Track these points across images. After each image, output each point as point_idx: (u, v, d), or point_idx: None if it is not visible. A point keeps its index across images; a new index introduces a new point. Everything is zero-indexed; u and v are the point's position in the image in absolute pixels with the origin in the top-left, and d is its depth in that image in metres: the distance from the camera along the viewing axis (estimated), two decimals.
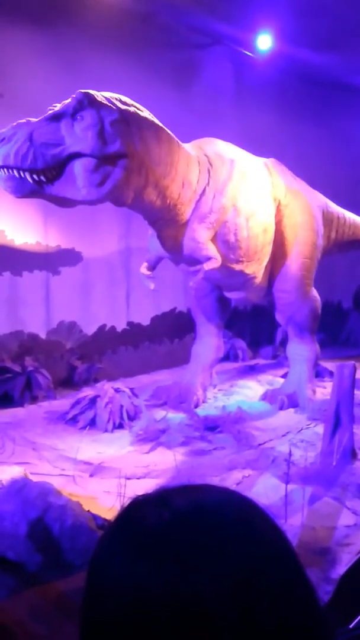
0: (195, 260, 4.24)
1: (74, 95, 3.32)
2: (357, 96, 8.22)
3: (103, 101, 3.40)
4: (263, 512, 0.72)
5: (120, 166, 3.42)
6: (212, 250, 4.17)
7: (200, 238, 4.13)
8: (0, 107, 4.94)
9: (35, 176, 3.25)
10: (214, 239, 4.22)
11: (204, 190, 4.11)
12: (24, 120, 3.32)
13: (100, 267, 6.12)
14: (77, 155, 3.32)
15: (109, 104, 3.42)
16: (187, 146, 4.18)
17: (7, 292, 5.36)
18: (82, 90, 3.33)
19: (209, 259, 4.16)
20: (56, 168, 3.31)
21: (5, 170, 3.23)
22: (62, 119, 3.32)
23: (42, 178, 3.28)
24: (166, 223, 4.09)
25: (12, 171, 3.22)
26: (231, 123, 6.56)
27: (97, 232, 6.05)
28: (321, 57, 6.83)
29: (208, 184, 4.13)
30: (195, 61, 6.65)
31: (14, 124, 3.31)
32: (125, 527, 0.67)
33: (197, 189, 4.08)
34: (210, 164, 4.21)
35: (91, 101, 3.34)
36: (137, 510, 0.68)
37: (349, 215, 5.99)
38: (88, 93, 3.34)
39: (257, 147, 5.22)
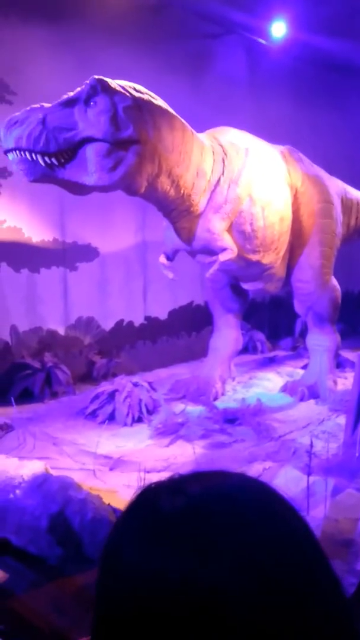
0: (211, 252, 4.20)
1: (88, 81, 3.30)
2: None
3: (117, 88, 3.38)
4: (282, 497, 0.68)
5: (132, 152, 3.39)
6: (227, 240, 4.12)
7: (216, 229, 4.09)
8: (15, 104, 4.94)
9: (47, 159, 3.23)
10: (229, 230, 4.17)
11: (218, 180, 4.06)
12: (37, 105, 3.31)
13: (116, 262, 6.11)
14: (89, 139, 3.30)
15: (123, 91, 3.40)
16: (201, 136, 4.13)
17: (26, 289, 5.39)
18: (96, 77, 3.31)
19: (224, 249, 4.11)
20: (68, 152, 3.29)
21: (17, 152, 3.22)
22: (76, 104, 3.31)
23: (54, 161, 3.25)
24: (181, 214, 4.05)
25: (25, 154, 3.20)
26: (246, 112, 6.48)
27: (113, 227, 6.04)
28: (336, 43, 6.70)
29: (223, 173, 4.08)
30: (208, 51, 6.57)
31: (27, 108, 3.31)
32: (138, 514, 0.65)
33: (212, 179, 4.03)
34: (225, 153, 4.15)
35: (105, 87, 3.32)
36: (150, 498, 0.66)
37: None
38: (102, 79, 3.32)
39: (273, 135, 5.14)
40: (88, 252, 5.88)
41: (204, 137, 4.14)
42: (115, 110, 3.31)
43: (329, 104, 7.86)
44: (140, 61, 5.49)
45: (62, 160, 3.29)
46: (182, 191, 3.87)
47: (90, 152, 3.30)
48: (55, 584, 2.30)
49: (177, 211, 4.03)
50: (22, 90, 4.99)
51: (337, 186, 5.36)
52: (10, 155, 3.28)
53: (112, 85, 3.36)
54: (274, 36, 6.31)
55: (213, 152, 4.11)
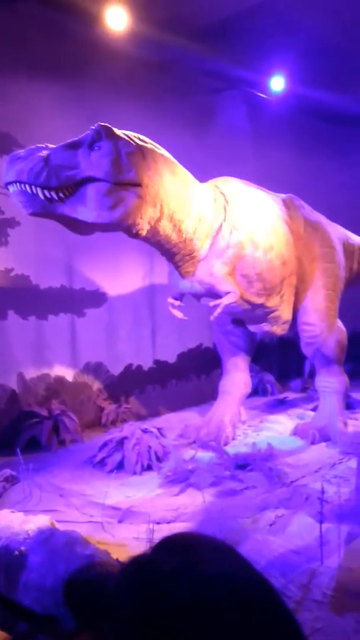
0: (214, 295, 4.25)
1: (93, 127, 3.42)
2: None
3: (121, 135, 3.51)
4: (260, 581, 0.69)
5: (133, 193, 3.47)
6: (230, 284, 4.18)
7: (219, 273, 4.15)
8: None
9: (47, 193, 3.29)
10: (233, 274, 4.23)
11: (220, 226, 4.16)
12: (42, 145, 3.42)
13: (124, 307, 6.17)
14: (91, 179, 3.38)
15: (127, 138, 3.53)
16: (203, 185, 4.26)
17: (33, 336, 5.43)
18: (101, 123, 3.44)
19: (228, 293, 4.17)
20: (69, 189, 3.36)
21: (18, 185, 3.29)
22: (80, 147, 3.41)
23: (54, 196, 3.32)
24: (184, 258, 4.13)
25: (25, 187, 3.27)
26: (249, 162, 6.66)
27: (121, 273, 6.13)
28: (332, 95, 6.96)
29: (225, 220, 4.18)
30: (210, 105, 6.85)
31: (32, 146, 3.41)
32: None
33: (214, 225, 4.13)
34: (227, 201, 4.27)
35: (109, 133, 3.44)
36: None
37: None
38: (107, 126, 3.44)
39: (274, 184, 5.28)
40: (96, 298, 5.95)
41: (206, 186, 4.27)
42: (118, 155, 3.41)
43: (328, 153, 8.08)
44: (145, 115, 5.69)
45: (62, 196, 3.35)
46: (183, 236, 3.96)
47: (91, 190, 3.38)
48: None
49: (180, 255, 4.11)
50: (29, 143, 5.13)
51: (338, 232, 5.46)
52: (11, 188, 3.35)
53: (117, 132, 3.49)
54: (274, 90, 6.59)
55: (215, 199, 4.22)
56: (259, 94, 6.79)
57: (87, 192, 3.39)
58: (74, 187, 3.37)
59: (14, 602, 2.38)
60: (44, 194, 3.30)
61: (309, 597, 2.65)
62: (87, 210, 3.41)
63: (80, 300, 5.81)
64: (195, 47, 5.80)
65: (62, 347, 5.67)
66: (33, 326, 5.43)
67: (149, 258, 6.15)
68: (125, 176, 3.42)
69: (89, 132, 3.43)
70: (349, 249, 5.58)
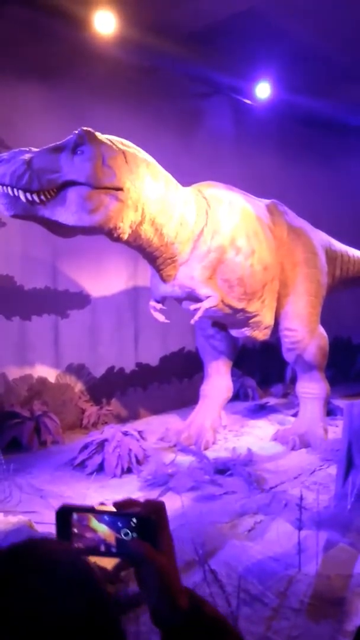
0: (195, 299, 4.28)
1: (76, 131, 3.43)
2: (354, 136, 8.41)
3: (103, 139, 3.54)
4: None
5: (114, 198, 3.50)
6: (211, 288, 4.22)
7: (200, 277, 4.19)
8: None
9: (28, 195, 3.31)
10: (214, 278, 4.26)
11: (202, 231, 4.19)
12: (25, 149, 3.42)
13: (108, 309, 6.15)
14: (72, 183, 3.40)
15: (109, 143, 3.56)
16: (186, 189, 4.29)
17: (17, 336, 5.39)
18: (84, 128, 3.45)
19: (208, 297, 4.19)
20: (51, 192, 3.37)
21: (0, 187, 3.30)
22: (63, 151, 3.43)
23: (35, 198, 3.33)
24: (165, 262, 4.17)
25: (7, 189, 3.28)
26: (233, 168, 6.69)
27: (105, 275, 6.11)
28: (317, 102, 7.04)
29: (206, 224, 4.22)
30: (197, 110, 6.88)
31: (15, 149, 3.41)
32: None
33: (195, 229, 4.16)
34: (209, 206, 4.32)
35: (92, 138, 3.46)
36: None
37: (354, 252, 6.03)
38: (89, 130, 3.47)
39: (259, 190, 5.31)
40: (80, 300, 5.92)
41: (188, 190, 4.30)
42: (100, 159, 3.44)
43: (313, 159, 8.15)
44: (131, 119, 5.70)
45: (43, 199, 3.36)
46: (165, 240, 3.99)
47: (72, 194, 3.40)
48: None
49: (161, 259, 4.14)
50: (17, 146, 5.09)
51: (321, 238, 5.52)
52: None
53: (99, 137, 3.52)
54: (259, 96, 6.63)
55: (197, 204, 4.25)
56: (245, 100, 6.83)
57: (68, 196, 3.40)
58: (55, 191, 3.39)
59: None
60: (25, 197, 3.31)
61: (286, 604, 2.67)
62: (67, 213, 3.42)
63: (64, 301, 5.78)
64: (182, 51, 5.83)
65: (45, 348, 5.64)
66: (17, 327, 5.39)
67: (132, 261, 6.15)
68: (106, 180, 3.45)
69: (72, 136, 3.45)
70: (331, 255, 5.64)
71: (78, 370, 5.91)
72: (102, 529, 0.88)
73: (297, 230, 5.16)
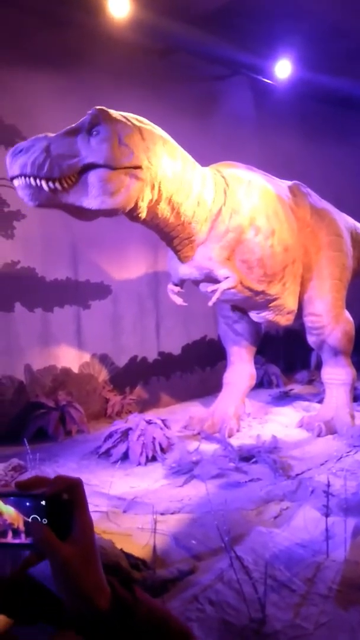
0: (213, 280, 4.22)
1: (90, 111, 3.41)
2: None
3: (118, 117, 3.49)
4: None
5: (133, 177, 3.47)
6: (229, 269, 4.14)
7: (218, 257, 4.12)
8: None
9: (51, 184, 3.29)
10: (233, 258, 4.19)
11: (220, 210, 4.11)
12: (41, 135, 3.40)
13: (129, 298, 6.15)
14: (92, 166, 3.36)
15: (125, 120, 3.51)
16: (204, 169, 4.21)
17: (40, 328, 5.43)
18: (98, 107, 3.42)
19: (226, 278, 4.13)
20: (72, 177, 3.35)
21: (22, 178, 3.28)
22: (79, 133, 3.39)
23: (58, 186, 3.31)
24: (182, 242, 4.11)
25: (29, 179, 3.26)
26: (253, 149, 6.58)
27: (126, 265, 6.10)
28: (339, 80, 6.83)
29: (224, 203, 4.14)
30: (215, 92, 6.74)
31: (32, 137, 3.40)
32: None
33: (213, 209, 4.09)
34: (227, 185, 4.23)
35: (106, 117, 3.42)
36: None
37: None
38: (103, 109, 3.43)
39: (280, 171, 5.21)
40: (101, 290, 5.93)
41: (206, 170, 4.22)
42: (117, 138, 3.39)
43: (336, 139, 7.96)
44: (147, 103, 5.62)
45: (66, 185, 3.34)
46: (182, 219, 3.94)
47: (93, 177, 3.37)
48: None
49: (178, 239, 4.09)
50: (31, 134, 5.05)
51: (346, 221, 5.38)
52: (16, 182, 3.34)
53: (114, 115, 3.47)
54: (279, 75, 6.45)
55: (215, 183, 4.17)
56: (265, 80, 6.66)
57: (89, 180, 3.37)
58: (76, 176, 3.35)
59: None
60: (48, 186, 3.29)
61: (314, 590, 2.63)
62: (90, 197, 3.40)
63: (86, 292, 5.80)
64: (199, 33, 5.69)
65: (68, 338, 5.67)
66: (39, 318, 5.42)
67: (153, 250, 6.12)
68: (125, 160, 3.41)
69: (86, 116, 3.41)
70: (357, 239, 5.50)
71: (101, 360, 5.93)
72: (9, 512, 0.77)
73: (321, 212, 5.03)
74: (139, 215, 3.67)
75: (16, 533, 0.77)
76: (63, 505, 0.77)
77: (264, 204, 4.35)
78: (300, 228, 4.73)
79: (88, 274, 5.78)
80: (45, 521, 0.76)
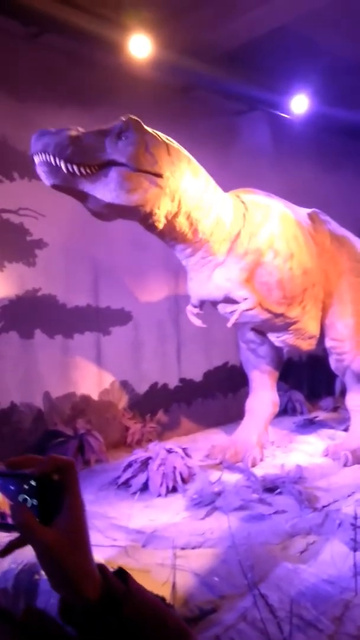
0: (232, 301, 4.19)
1: (123, 118, 3.48)
2: None
3: (149, 130, 3.58)
4: None
5: (153, 183, 3.50)
6: (248, 290, 4.12)
7: (237, 278, 4.12)
8: None
9: (69, 166, 3.28)
10: (251, 280, 4.17)
11: (239, 232, 4.13)
12: (73, 127, 3.43)
13: (150, 325, 6.13)
14: (114, 163, 3.40)
15: (154, 133, 3.60)
16: (225, 194, 4.25)
17: (59, 355, 5.42)
18: (131, 116, 3.51)
19: (245, 299, 4.09)
20: (92, 168, 3.36)
21: (43, 154, 3.28)
22: (108, 135, 3.44)
23: (76, 171, 3.31)
24: (200, 262, 4.11)
25: (49, 157, 3.26)
26: (272, 182, 6.57)
27: (146, 291, 6.10)
28: (355, 113, 6.92)
29: (244, 226, 4.16)
30: (233, 127, 6.88)
31: (63, 127, 3.41)
32: None
33: (232, 230, 4.10)
34: (246, 209, 4.27)
35: (138, 126, 3.50)
36: None
37: None
38: (136, 119, 3.51)
39: (300, 201, 5.19)
40: (121, 316, 5.92)
41: (227, 195, 4.26)
42: (144, 145, 3.47)
43: (354, 170, 8.00)
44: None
45: (84, 173, 3.35)
46: (200, 236, 3.94)
47: (114, 173, 3.40)
48: None
49: (196, 258, 4.09)
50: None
51: None
52: (37, 158, 3.34)
53: (145, 127, 3.56)
54: (296, 110, 6.56)
55: (235, 207, 4.20)
56: (282, 114, 6.77)
57: (109, 174, 3.40)
58: (97, 167, 3.38)
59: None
60: (66, 167, 3.28)
61: (342, 630, 2.49)
62: (106, 190, 3.41)
63: (106, 318, 5.79)
64: (218, 71, 5.87)
65: (88, 365, 5.64)
66: (59, 345, 5.42)
67: (174, 276, 6.12)
68: (147, 165, 3.46)
69: (118, 122, 3.47)
70: None
71: (121, 387, 5.88)
72: None
73: (341, 238, 5.03)
74: (156, 224, 3.68)
75: (2, 518, 0.74)
76: (54, 486, 0.73)
77: (282, 228, 4.35)
78: (320, 253, 4.71)
79: (109, 300, 5.79)
80: (35, 502, 0.72)
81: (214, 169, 4.13)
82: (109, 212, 3.61)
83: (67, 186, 3.44)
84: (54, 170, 3.33)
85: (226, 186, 4.42)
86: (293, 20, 5.18)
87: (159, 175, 3.52)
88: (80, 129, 3.44)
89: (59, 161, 3.26)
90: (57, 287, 5.39)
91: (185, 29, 5.21)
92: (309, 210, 5.02)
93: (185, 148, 3.86)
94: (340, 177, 7.83)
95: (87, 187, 3.42)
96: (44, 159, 3.28)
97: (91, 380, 5.66)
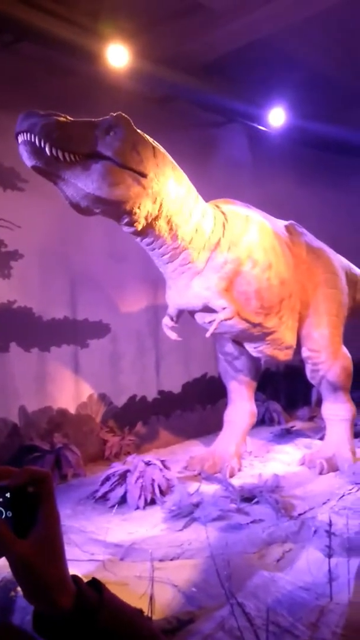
0: (210, 310, 4.22)
1: (113, 114, 3.48)
2: None
3: (138, 130, 3.59)
4: None
5: (136, 181, 3.50)
6: (227, 300, 4.15)
7: (216, 287, 4.15)
8: (27, 191, 5.17)
9: (54, 150, 3.22)
10: (230, 290, 4.21)
11: (218, 241, 4.16)
12: (63, 115, 3.40)
13: (129, 337, 6.13)
14: (100, 155, 3.38)
15: (143, 135, 3.62)
16: (205, 204, 4.28)
17: (36, 368, 5.39)
18: (122, 114, 3.52)
19: (224, 308, 4.13)
20: (77, 156, 3.31)
21: (28, 134, 3.20)
22: (97, 128, 3.43)
23: (60, 156, 3.25)
24: (178, 269, 4.12)
25: (34, 138, 3.18)
26: (250, 194, 6.66)
27: (125, 303, 6.11)
28: (331, 127, 7.09)
29: (223, 235, 4.20)
30: (211, 139, 6.96)
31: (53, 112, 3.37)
32: None
33: (211, 239, 4.13)
34: (226, 219, 4.31)
35: (127, 123, 3.51)
36: None
37: None
38: (125, 116, 3.52)
39: (276, 213, 5.28)
40: (99, 329, 5.92)
41: (207, 205, 4.30)
42: (131, 144, 3.48)
43: (330, 183, 8.15)
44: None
45: (68, 160, 3.29)
46: (179, 242, 3.95)
47: (98, 165, 3.37)
48: None
49: (174, 265, 4.09)
50: (32, 178, 5.19)
51: (340, 260, 5.48)
52: (20, 137, 3.26)
53: (134, 127, 3.57)
54: (273, 123, 6.67)
55: (214, 217, 4.24)
56: (259, 127, 6.88)
57: (92, 165, 3.37)
58: (82, 157, 3.33)
59: None
60: (50, 151, 3.21)
61: (317, 636, 2.52)
62: (88, 180, 3.37)
63: (84, 331, 5.78)
64: (196, 82, 5.90)
65: (65, 379, 5.62)
66: (35, 358, 5.39)
67: (153, 288, 6.14)
68: (133, 163, 3.47)
69: (108, 117, 3.47)
70: (352, 278, 5.57)
71: (99, 401, 5.86)
72: None
73: (317, 250, 5.12)
74: (135, 224, 3.66)
75: None
76: (29, 498, 0.74)
77: (261, 238, 4.42)
78: (297, 265, 4.79)
79: (86, 312, 5.78)
80: (9, 514, 0.73)
81: (192, 180, 4.17)
82: (87, 203, 3.52)
83: (48, 170, 3.36)
84: (37, 151, 3.23)
85: (204, 196, 4.48)
86: (271, 34, 5.26)
87: (143, 175, 3.53)
88: (69, 118, 3.40)
89: (44, 144, 3.18)
90: (33, 299, 5.37)
91: (163, 39, 5.24)
92: (285, 222, 5.10)
93: None
94: (315, 190, 7.97)
95: (69, 174, 3.36)
96: (28, 138, 3.20)
97: (68, 393, 5.63)
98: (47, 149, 3.20)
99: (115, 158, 3.40)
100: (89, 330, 5.82)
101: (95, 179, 3.38)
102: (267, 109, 6.56)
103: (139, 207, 3.60)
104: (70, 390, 5.64)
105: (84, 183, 3.39)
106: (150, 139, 3.73)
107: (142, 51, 5.16)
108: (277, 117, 6.63)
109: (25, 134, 3.22)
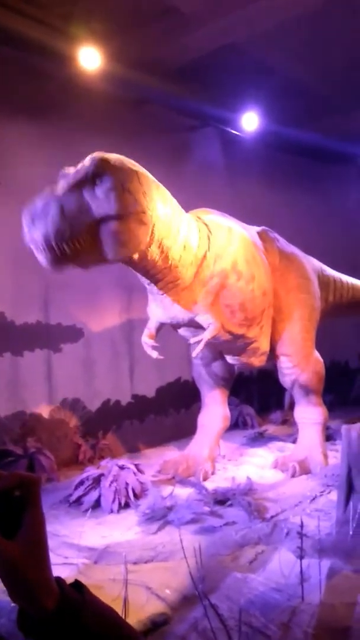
0: (195, 324, 4.24)
1: (91, 160, 3.45)
2: (340, 164, 8.57)
3: (118, 165, 3.54)
4: None
5: (139, 222, 3.55)
6: (212, 315, 4.17)
7: (202, 302, 4.16)
8: (3, 195, 5.13)
9: (72, 244, 3.31)
10: (216, 303, 4.23)
11: (205, 255, 4.17)
12: (48, 192, 3.41)
13: (102, 341, 6.12)
14: (104, 218, 3.41)
15: (124, 168, 3.56)
16: (188, 215, 4.30)
17: (8, 373, 5.33)
18: (97, 156, 3.48)
19: (210, 323, 4.15)
20: (87, 234, 3.37)
21: (44, 243, 3.29)
22: (83, 186, 3.42)
23: (78, 246, 3.34)
24: (167, 286, 4.10)
25: (53, 243, 3.27)
26: (223, 198, 6.76)
27: (98, 308, 6.10)
28: (302, 133, 7.20)
29: (208, 249, 4.21)
30: (185, 143, 6.99)
31: (41, 198, 3.39)
32: None
33: (198, 254, 4.15)
34: (210, 231, 4.31)
35: (108, 166, 3.46)
36: None
37: (347, 279, 6.06)
38: (103, 159, 3.47)
39: (249, 218, 5.34)
40: (73, 333, 5.89)
41: (188, 216, 4.30)
42: (122, 187, 3.45)
43: (302, 187, 8.29)
44: (121, 152, 5.76)
45: (84, 243, 3.37)
46: (169, 262, 3.95)
47: (106, 229, 3.43)
48: None
49: (163, 282, 4.09)
50: (9, 183, 5.17)
51: (313, 264, 5.56)
52: (37, 248, 3.37)
53: (114, 163, 3.51)
54: (247, 127, 6.75)
55: (199, 230, 4.25)
56: (233, 131, 6.94)
57: (101, 234, 3.44)
58: (90, 231, 3.39)
59: None
60: (69, 248, 3.31)
61: (289, 636, 2.57)
62: (107, 248, 3.47)
63: (57, 335, 5.75)
64: (169, 86, 5.94)
65: (38, 383, 5.57)
66: (8, 363, 5.34)
67: (127, 293, 6.14)
68: (131, 207, 3.48)
69: (88, 166, 3.44)
70: (324, 280, 5.66)
71: (73, 405, 5.83)
72: None
73: (290, 256, 5.19)
74: (132, 256, 3.70)
75: None
76: (16, 501, 0.76)
77: (243, 249, 4.45)
78: (271, 272, 4.85)
79: (59, 317, 5.75)
80: None
81: (165, 184, 4.19)
82: (119, 261, 3.68)
83: (74, 262, 3.48)
84: (56, 255, 3.34)
85: (178, 201, 4.51)
86: (246, 39, 5.31)
87: (143, 212, 3.55)
88: (56, 191, 3.40)
89: (64, 246, 3.30)
90: (4, 303, 5.32)
91: (135, 42, 5.24)
92: (258, 229, 5.15)
93: (137, 163, 3.89)
94: (288, 194, 8.09)
95: (90, 255, 3.47)
96: (46, 245, 3.30)
97: (41, 398, 5.59)
98: (66, 249, 3.31)
99: (117, 215, 3.43)
100: (62, 335, 5.80)
101: (112, 245, 3.47)
102: (240, 113, 6.64)
103: (142, 244, 3.67)
104: (43, 394, 5.60)
105: (106, 252, 3.49)
106: (129, 162, 3.66)
107: (115, 54, 5.16)
108: (250, 121, 6.71)
109: (41, 243, 3.32)
